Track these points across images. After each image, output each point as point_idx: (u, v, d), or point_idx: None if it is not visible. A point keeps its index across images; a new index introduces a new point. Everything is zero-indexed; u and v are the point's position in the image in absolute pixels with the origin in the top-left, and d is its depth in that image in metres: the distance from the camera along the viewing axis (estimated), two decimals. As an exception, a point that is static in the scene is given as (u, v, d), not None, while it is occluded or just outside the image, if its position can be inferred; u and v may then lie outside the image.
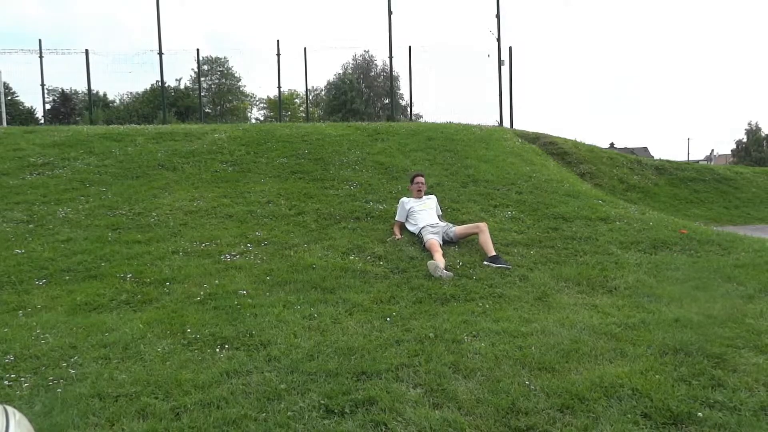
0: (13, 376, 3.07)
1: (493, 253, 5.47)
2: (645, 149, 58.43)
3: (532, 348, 3.34)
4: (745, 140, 53.27)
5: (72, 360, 3.28)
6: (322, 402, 2.69)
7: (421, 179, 6.55)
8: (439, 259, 5.24)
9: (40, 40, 16.42)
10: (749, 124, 53.90)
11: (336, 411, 2.62)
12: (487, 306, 4.32)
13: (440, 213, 6.57)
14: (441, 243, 5.78)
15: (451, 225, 6.16)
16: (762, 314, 3.94)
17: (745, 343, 3.38)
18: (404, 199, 6.47)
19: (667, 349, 3.28)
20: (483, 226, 5.82)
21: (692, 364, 3.07)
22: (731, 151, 55.40)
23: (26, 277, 5.00)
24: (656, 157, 22.54)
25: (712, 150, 67.76)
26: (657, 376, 2.91)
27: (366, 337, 3.59)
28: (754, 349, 3.28)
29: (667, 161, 15.01)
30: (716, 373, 2.93)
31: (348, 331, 3.72)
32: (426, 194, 6.61)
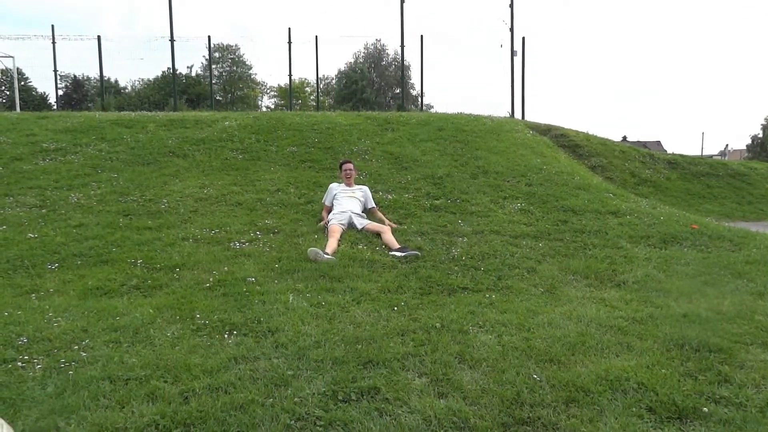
0: (26, 357, 3.12)
1: (398, 246, 5.52)
2: (658, 143, 57.79)
3: (538, 340, 3.35)
4: (760, 135, 52.53)
5: (83, 343, 3.34)
6: (329, 389, 2.71)
7: (349, 166, 6.77)
8: (330, 245, 5.34)
9: (53, 26, 16.60)
10: (765, 119, 53.14)
11: (342, 398, 2.65)
12: (494, 297, 4.32)
13: (372, 205, 6.64)
14: (343, 229, 5.88)
15: (365, 219, 6.26)
16: (772, 311, 3.91)
17: (753, 339, 3.36)
18: (333, 185, 6.68)
19: (674, 344, 3.27)
20: (387, 229, 5.92)
21: (699, 359, 3.06)
22: (746, 146, 54.68)
23: (39, 261, 5.07)
24: (669, 151, 22.37)
25: (727, 145, 66.81)
26: (663, 371, 2.90)
27: (373, 325, 3.61)
28: (763, 346, 3.27)
29: (680, 155, 14.86)
30: (723, 369, 2.93)
31: (355, 319, 3.75)
32: (359, 185, 6.84)
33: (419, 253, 5.35)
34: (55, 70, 17.24)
